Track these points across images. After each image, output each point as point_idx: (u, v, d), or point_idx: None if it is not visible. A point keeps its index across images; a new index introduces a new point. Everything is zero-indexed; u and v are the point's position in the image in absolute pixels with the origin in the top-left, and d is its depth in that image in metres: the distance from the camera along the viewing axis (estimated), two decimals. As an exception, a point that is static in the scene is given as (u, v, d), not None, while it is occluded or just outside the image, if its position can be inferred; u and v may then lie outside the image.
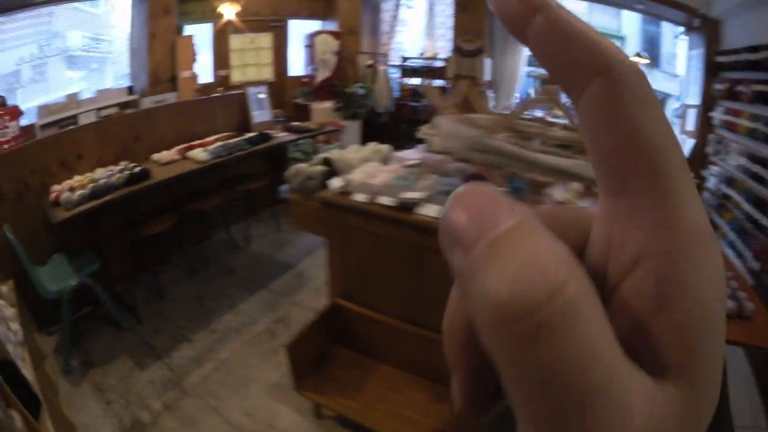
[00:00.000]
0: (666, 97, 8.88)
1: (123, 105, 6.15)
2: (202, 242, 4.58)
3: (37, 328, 3.33)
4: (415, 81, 8.16)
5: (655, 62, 10.05)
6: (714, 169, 6.03)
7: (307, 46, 8.12)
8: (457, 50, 7.48)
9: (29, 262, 2.96)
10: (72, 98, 5.77)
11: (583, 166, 1.92)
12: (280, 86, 7.71)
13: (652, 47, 10.52)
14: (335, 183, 2.45)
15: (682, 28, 9.83)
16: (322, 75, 7.88)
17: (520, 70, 7.79)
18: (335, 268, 2.60)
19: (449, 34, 7.75)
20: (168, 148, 4.30)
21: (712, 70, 6.54)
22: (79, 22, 6.10)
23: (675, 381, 0.16)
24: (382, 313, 2.46)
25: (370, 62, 8.19)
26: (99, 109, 5.95)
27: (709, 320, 0.16)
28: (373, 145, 3.01)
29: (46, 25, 5.66)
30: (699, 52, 6.90)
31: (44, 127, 5.45)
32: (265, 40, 7.73)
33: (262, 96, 5.41)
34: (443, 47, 8.00)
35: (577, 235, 0.20)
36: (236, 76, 7.53)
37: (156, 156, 4.12)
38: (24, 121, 5.08)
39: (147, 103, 4.70)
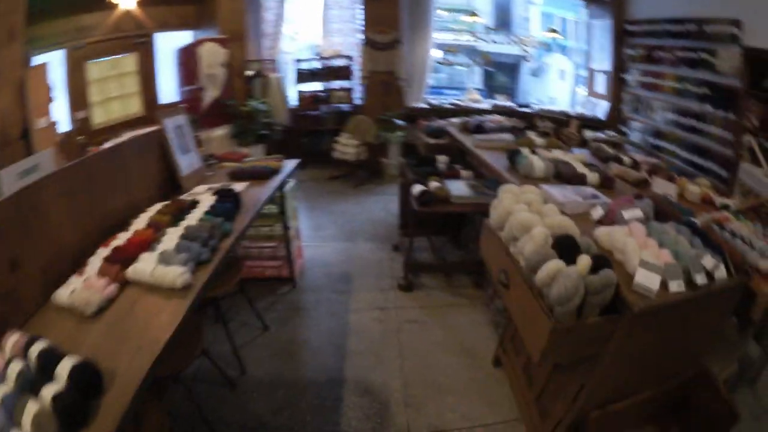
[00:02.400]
0: (518, 59, 9.56)
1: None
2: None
3: None
4: (315, 86, 6.98)
5: (507, 27, 10.55)
6: (635, 125, 7.12)
7: (180, 64, 6.07)
8: (370, 43, 6.56)
9: None
10: None
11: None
12: (154, 120, 5.84)
13: (503, 14, 11.21)
14: (650, 281, 1.70)
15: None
16: (211, 95, 5.98)
17: (431, 58, 7.12)
18: (606, 379, 1.88)
19: (348, 27, 6.90)
20: (74, 264, 1.95)
21: (620, 38, 7.29)
22: None
23: None
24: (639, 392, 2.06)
25: (253, 71, 6.55)
26: None
27: None
28: (517, 188, 2.41)
29: None
30: (605, 22, 7.59)
31: None
32: (129, 62, 5.78)
33: (183, 130, 3.25)
34: (342, 43, 7.00)
35: None
36: (98, 116, 5.39)
37: (61, 295, 1.74)
38: None
39: (9, 181, 2.30)
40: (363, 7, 6.39)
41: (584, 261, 1.73)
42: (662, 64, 6.57)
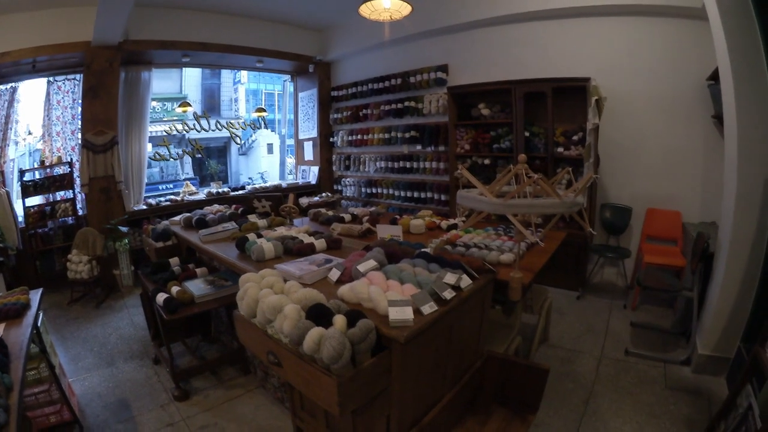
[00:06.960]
0: (228, 141, 10.04)
1: None
2: None
3: None
4: (39, 199, 6.09)
5: (216, 111, 11.65)
6: (348, 180, 7.92)
7: None
8: (88, 146, 5.97)
9: None
10: None
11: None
12: None
13: (211, 99, 11.79)
14: (403, 314, 1.97)
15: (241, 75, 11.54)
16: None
17: (146, 155, 6.89)
18: (405, 402, 2.08)
19: (69, 129, 6.33)
20: None
21: (326, 104, 8.12)
22: None
23: None
24: (441, 398, 2.35)
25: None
26: None
27: None
28: (255, 275, 2.41)
29: None
30: (311, 92, 8.25)
31: None
32: None
33: None
34: (63, 148, 6.40)
35: None
36: None
37: None
38: None
39: None
40: (81, 105, 5.83)
41: (340, 320, 1.87)
42: (369, 120, 7.28)
